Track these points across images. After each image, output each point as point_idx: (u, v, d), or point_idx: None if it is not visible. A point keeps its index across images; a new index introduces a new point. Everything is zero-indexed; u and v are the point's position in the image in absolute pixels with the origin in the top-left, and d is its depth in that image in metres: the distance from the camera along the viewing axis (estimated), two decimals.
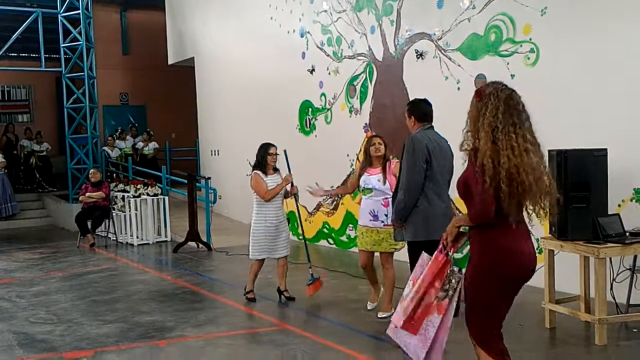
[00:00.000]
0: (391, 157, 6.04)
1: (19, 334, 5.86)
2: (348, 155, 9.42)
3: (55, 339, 5.69)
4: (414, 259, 4.67)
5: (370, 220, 5.85)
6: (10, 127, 16.34)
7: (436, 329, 3.34)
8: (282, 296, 6.66)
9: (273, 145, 6.72)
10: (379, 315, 5.82)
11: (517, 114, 3.08)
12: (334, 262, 6.38)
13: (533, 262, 3.18)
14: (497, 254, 3.09)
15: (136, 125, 16.54)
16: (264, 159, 6.65)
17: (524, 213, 3.13)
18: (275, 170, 6.75)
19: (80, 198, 11.36)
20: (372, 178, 5.88)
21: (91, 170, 11.65)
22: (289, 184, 6.69)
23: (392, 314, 5.17)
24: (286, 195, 6.75)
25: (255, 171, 6.67)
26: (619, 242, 4.95)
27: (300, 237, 7.37)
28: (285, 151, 6.87)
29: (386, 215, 5.72)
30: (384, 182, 5.80)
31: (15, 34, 13.94)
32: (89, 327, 6.03)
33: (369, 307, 6.15)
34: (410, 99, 8.29)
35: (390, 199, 5.52)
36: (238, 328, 5.86)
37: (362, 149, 6.10)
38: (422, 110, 5.06)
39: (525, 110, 3.14)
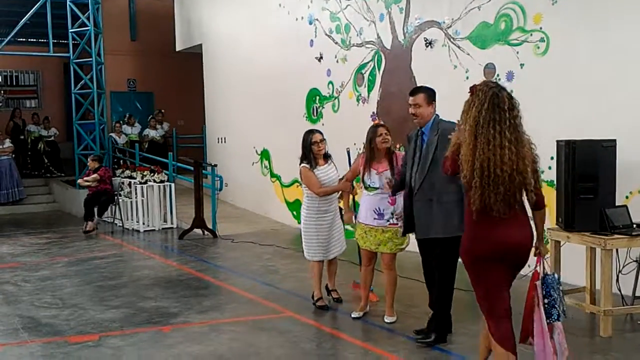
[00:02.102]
0: (397, 147, 5.82)
1: (24, 318, 5.89)
2: (355, 144, 9.38)
3: (60, 323, 5.72)
4: (454, 255, 4.63)
5: (375, 218, 5.31)
6: (17, 112, 16.35)
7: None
8: (330, 295, 6.13)
9: (317, 132, 5.84)
10: (386, 321, 5.42)
11: (499, 111, 3.34)
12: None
13: (510, 245, 3.47)
14: (471, 239, 3.55)
15: (162, 111, 16.37)
16: (309, 149, 5.76)
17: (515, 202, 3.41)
18: (327, 158, 5.88)
19: (78, 181, 11.38)
20: (377, 177, 5.29)
21: (88, 160, 11.54)
22: (349, 188, 5.76)
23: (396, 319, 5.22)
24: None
25: (302, 165, 5.78)
26: (626, 233, 4.93)
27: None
28: (348, 150, 6.36)
29: (392, 214, 5.27)
30: (393, 178, 5.21)
31: (24, 19, 13.92)
32: (93, 311, 6.05)
33: (353, 315, 5.59)
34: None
35: (396, 196, 5.24)
36: (242, 315, 5.87)
37: (366, 140, 5.36)
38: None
39: (511, 109, 3.39)
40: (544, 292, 3.69)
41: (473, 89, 3.46)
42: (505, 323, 3.58)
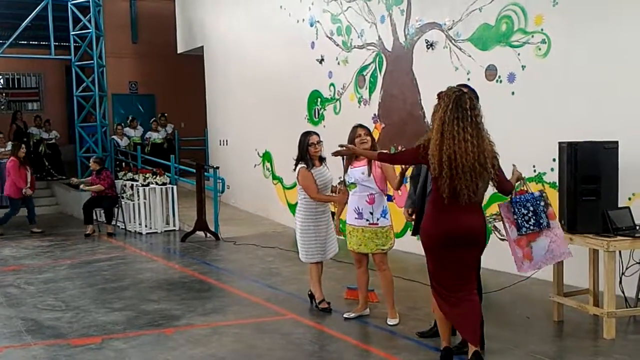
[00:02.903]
0: (399, 148, 5.84)
1: (27, 320, 5.90)
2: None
3: (63, 325, 5.73)
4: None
5: (355, 218, 5.36)
6: (19, 115, 16.37)
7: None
8: (313, 301, 6.07)
9: (314, 133, 5.86)
10: (389, 323, 5.38)
11: (462, 111, 3.86)
12: (339, 253, 6.35)
13: (460, 230, 3.99)
14: (430, 222, 4.12)
15: (165, 115, 16.45)
16: (306, 150, 5.78)
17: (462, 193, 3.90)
18: (322, 160, 5.90)
19: (80, 186, 11.34)
20: (356, 170, 5.36)
21: (90, 161, 11.46)
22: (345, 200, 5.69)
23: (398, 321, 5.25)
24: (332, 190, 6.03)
25: (301, 165, 5.78)
26: (629, 235, 4.92)
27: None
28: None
29: (371, 214, 5.29)
30: (369, 174, 5.27)
31: (25, 22, 13.95)
32: (96, 314, 6.06)
33: (345, 316, 5.61)
34: (420, 89, 8.32)
35: (375, 196, 5.30)
36: (245, 317, 5.87)
37: (347, 140, 5.36)
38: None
39: (472, 109, 3.90)
40: (513, 210, 4.44)
41: (440, 95, 3.99)
42: (447, 296, 4.13)
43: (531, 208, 4.42)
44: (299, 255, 6.03)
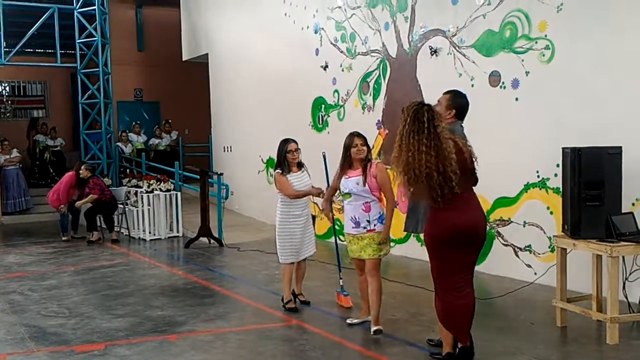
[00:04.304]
0: (373, 158, 5.79)
1: (30, 327, 5.90)
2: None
3: (66, 332, 5.73)
4: None
5: (353, 227, 5.35)
6: (39, 124, 16.52)
7: None
8: (297, 299, 6.33)
9: (292, 141, 6.14)
10: (373, 329, 5.29)
11: (418, 123, 4.05)
12: (343, 259, 6.35)
13: (460, 227, 4.16)
14: (429, 223, 4.31)
15: (169, 121, 16.53)
16: (284, 157, 6.09)
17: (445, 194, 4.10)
18: (300, 166, 6.19)
19: (77, 204, 11.27)
20: (350, 181, 5.33)
21: (81, 168, 11.28)
22: (320, 193, 6.08)
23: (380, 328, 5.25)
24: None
25: (276, 171, 6.13)
26: (632, 240, 4.91)
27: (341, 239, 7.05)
28: (324, 154, 6.36)
29: (368, 221, 5.28)
30: (364, 184, 5.25)
31: (32, 30, 14.03)
32: (100, 320, 6.06)
33: (348, 322, 5.66)
34: (424, 96, 8.31)
35: (371, 203, 5.27)
36: (248, 323, 5.87)
37: (343, 147, 5.42)
38: (464, 105, 4.94)
39: (431, 120, 4.08)
40: None
41: (402, 109, 4.19)
42: (449, 296, 4.27)
43: None
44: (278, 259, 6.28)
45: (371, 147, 5.80)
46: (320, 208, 6.08)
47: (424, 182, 4.05)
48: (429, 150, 4.02)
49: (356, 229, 5.35)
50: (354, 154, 5.31)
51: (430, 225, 4.29)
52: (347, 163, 5.37)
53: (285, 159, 6.09)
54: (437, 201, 4.12)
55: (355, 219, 5.33)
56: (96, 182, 11.10)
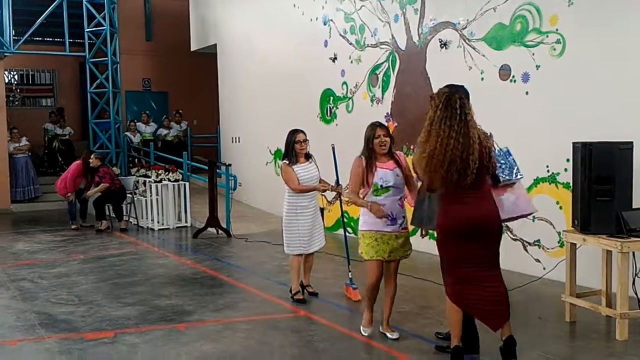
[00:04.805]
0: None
1: (40, 314, 5.95)
2: None
3: (76, 319, 5.77)
4: None
5: (388, 224, 4.87)
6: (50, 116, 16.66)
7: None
8: (305, 291, 6.34)
9: (300, 132, 6.08)
10: (392, 337, 5.03)
11: (451, 110, 4.09)
12: (351, 251, 6.36)
13: (472, 220, 4.17)
14: (440, 215, 4.31)
15: (180, 112, 16.56)
16: (291, 147, 6.04)
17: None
18: (308, 157, 6.14)
19: (87, 193, 11.31)
20: (390, 173, 4.88)
21: (91, 156, 11.39)
22: (326, 190, 6.08)
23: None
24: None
25: (283, 161, 6.08)
26: None
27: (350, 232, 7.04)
28: (333, 147, 6.28)
29: (404, 217, 4.94)
30: (402, 177, 4.94)
31: (40, 18, 14.06)
32: (109, 308, 6.10)
33: (365, 334, 5.13)
34: (433, 89, 8.29)
35: (404, 199, 4.95)
36: (256, 313, 5.89)
37: (365, 136, 4.98)
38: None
39: (462, 108, 4.13)
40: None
41: (431, 95, 4.24)
42: (461, 286, 4.26)
43: (502, 161, 4.61)
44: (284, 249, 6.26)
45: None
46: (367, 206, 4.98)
47: (446, 169, 4.06)
48: (457, 137, 4.07)
49: (392, 226, 4.88)
50: (377, 148, 4.90)
51: (442, 217, 4.29)
52: (373, 157, 4.91)
53: (292, 149, 6.05)
54: (451, 191, 4.14)
55: (392, 215, 4.87)
56: (106, 171, 11.15)
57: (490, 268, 4.29)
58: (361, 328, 5.16)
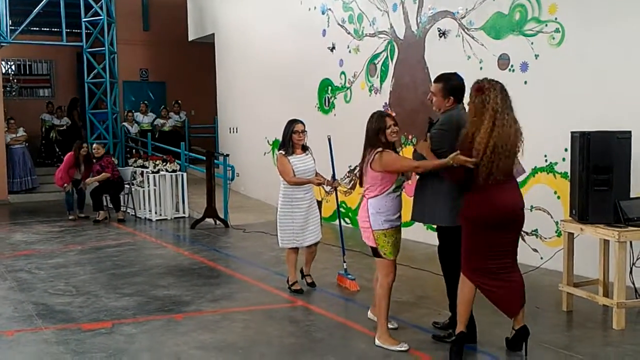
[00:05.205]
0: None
1: (38, 305, 5.94)
2: None
3: (73, 310, 5.77)
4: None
5: (398, 217, 4.68)
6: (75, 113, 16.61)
7: None
8: (304, 279, 6.35)
9: (299, 122, 5.99)
10: (391, 327, 4.87)
11: (508, 100, 4.20)
12: (349, 241, 6.36)
13: (502, 208, 4.20)
14: (475, 204, 4.24)
15: (179, 102, 16.52)
16: (289, 137, 5.96)
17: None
18: (305, 149, 6.07)
19: (87, 181, 11.30)
20: None
21: (94, 145, 11.50)
22: (321, 184, 6.01)
23: None
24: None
25: (280, 151, 6.02)
26: None
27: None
28: (329, 138, 6.26)
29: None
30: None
31: (37, 8, 13.97)
32: (107, 299, 6.10)
33: (406, 348, 4.60)
34: (432, 78, 8.25)
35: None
36: (254, 304, 5.89)
37: (373, 128, 4.65)
38: (459, 86, 4.64)
39: (510, 99, 4.25)
40: None
41: (482, 88, 4.19)
42: (482, 273, 4.27)
43: None
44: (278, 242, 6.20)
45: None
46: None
47: (505, 158, 4.10)
48: (516, 125, 4.17)
49: (397, 221, 4.69)
50: (389, 136, 4.61)
51: (472, 207, 4.23)
52: (387, 145, 4.62)
53: (290, 140, 5.97)
54: (496, 180, 4.12)
55: (399, 210, 4.69)
56: (109, 161, 11.21)
57: (512, 256, 4.33)
58: (397, 347, 4.58)
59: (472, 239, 4.26)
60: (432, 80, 4.78)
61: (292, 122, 6.02)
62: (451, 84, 4.61)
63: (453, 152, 4.18)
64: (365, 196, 4.71)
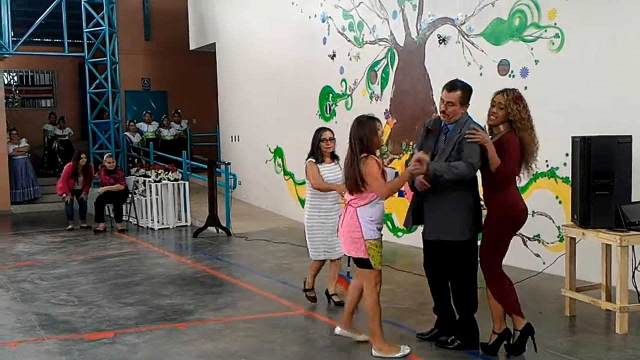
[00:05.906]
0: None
1: (40, 315, 5.95)
2: None
3: (76, 320, 5.77)
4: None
5: (381, 229, 4.64)
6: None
7: None
8: (331, 300, 6.00)
9: (327, 130, 5.80)
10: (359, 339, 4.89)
11: (528, 108, 4.58)
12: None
13: (525, 210, 4.62)
14: (499, 208, 4.52)
15: (179, 111, 16.57)
16: (317, 145, 5.75)
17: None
18: (334, 157, 5.85)
19: (100, 190, 11.31)
20: (393, 172, 4.83)
21: (106, 157, 11.62)
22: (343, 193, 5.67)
23: None
24: None
25: (309, 160, 5.78)
26: None
27: None
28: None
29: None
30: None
31: (39, 19, 14.05)
32: (109, 309, 6.10)
33: (407, 351, 4.64)
34: (432, 85, 8.29)
35: None
36: (256, 312, 5.89)
37: (376, 136, 4.52)
38: (471, 93, 4.65)
39: None
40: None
41: (521, 96, 4.58)
42: (505, 278, 4.65)
43: None
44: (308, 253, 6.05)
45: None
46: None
47: (531, 157, 4.54)
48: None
49: (382, 228, 4.65)
50: (324, 149, 5.02)
51: (509, 207, 4.50)
52: (378, 154, 4.60)
53: (318, 148, 5.75)
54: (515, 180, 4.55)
55: (382, 219, 4.67)
56: (122, 174, 11.42)
57: None
58: (399, 354, 4.56)
59: (503, 238, 4.56)
60: (445, 88, 4.59)
61: (320, 130, 5.84)
62: (468, 90, 4.58)
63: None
64: (352, 205, 4.54)
